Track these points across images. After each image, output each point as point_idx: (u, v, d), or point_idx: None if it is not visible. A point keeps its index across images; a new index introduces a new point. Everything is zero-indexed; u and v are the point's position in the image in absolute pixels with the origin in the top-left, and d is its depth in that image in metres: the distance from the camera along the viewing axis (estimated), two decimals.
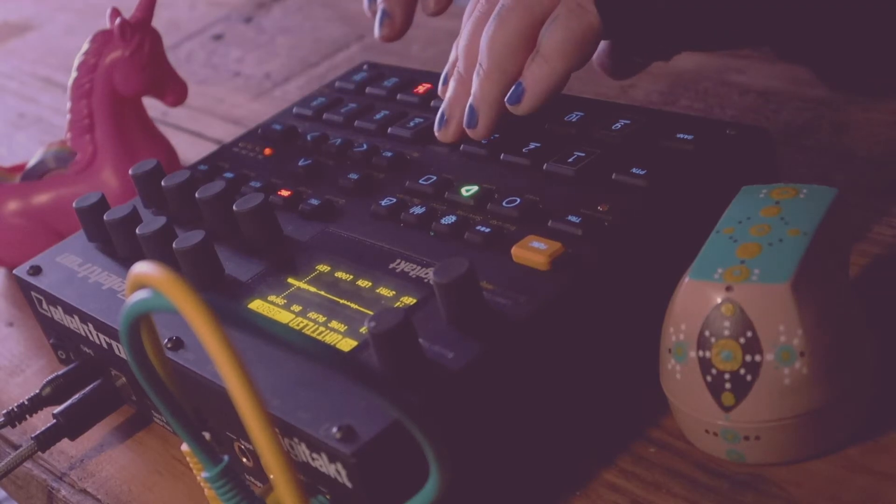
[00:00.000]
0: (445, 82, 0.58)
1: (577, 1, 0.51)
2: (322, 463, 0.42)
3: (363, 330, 0.46)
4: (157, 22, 0.73)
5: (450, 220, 0.51)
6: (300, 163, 0.60)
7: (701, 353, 0.42)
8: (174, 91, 0.74)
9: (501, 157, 0.55)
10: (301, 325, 0.48)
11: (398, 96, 0.64)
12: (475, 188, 0.53)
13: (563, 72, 0.52)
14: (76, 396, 0.55)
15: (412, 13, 0.62)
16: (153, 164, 0.61)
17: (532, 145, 0.54)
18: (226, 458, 0.42)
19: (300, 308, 0.49)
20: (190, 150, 0.82)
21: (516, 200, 0.50)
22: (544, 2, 0.52)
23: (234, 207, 0.54)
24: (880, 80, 0.58)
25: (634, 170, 0.50)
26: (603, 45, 0.58)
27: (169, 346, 0.48)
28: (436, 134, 0.57)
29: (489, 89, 0.53)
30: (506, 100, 0.53)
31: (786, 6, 0.52)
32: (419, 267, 0.49)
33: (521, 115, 0.53)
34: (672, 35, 0.53)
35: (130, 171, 0.61)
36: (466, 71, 0.55)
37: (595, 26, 0.51)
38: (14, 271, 0.60)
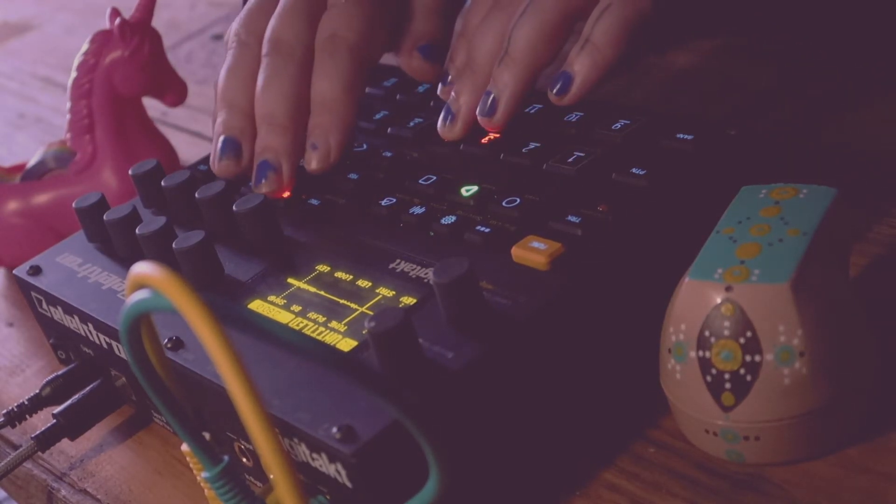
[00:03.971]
0: (446, 83, 0.58)
1: None
2: (322, 463, 0.42)
3: (363, 328, 0.46)
4: (157, 22, 0.73)
5: (450, 220, 0.51)
6: (300, 162, 0.60)
7: (701, 353, 0.42)
8: (174, 91, 0.74)
9: (501, 157, 0.55)
10: (301, 325, 0.48)
11: (398, 96, 0.64)
12: (475, 188, 0.53)
13: (613, 61, 0.51)
14: (76, 396, 0.55)
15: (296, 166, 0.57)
16: (153, 164, 0.61)
17: (532, 145, 0.54)
18: (226, 458, 0.42)
19: (300, 308, 0.49)
20: (190, 150, 0.82)
21: (516, 200, 0.50)
22: None
23: (234, 207, 0.54)
24: None
25: (634, 170, 0.50)
26: None
27: (169, 346, 0.48)
28: (440, 131, 0.56)
29: (515, 78, 0.53)
30: (551, 90, 0.53)
31: None
32: (419, 267, 0.49)
33: (566, 104, 0.53)
34: (712, 19, 0.53)
35: (130, 171, 0.61)
36: (480, 64, 0.55)
37: (647, 13, 0.51)
38: (14, 271, 0.60)
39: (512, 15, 0.53)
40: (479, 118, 0.54)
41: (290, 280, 0.51)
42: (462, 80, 0.55)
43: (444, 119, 0.56)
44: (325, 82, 0.55)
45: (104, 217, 0.57)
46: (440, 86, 0.58)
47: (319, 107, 0.56)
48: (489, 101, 0.53)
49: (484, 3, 0.56)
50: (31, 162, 0.73)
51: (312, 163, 0.56)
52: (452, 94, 0.56)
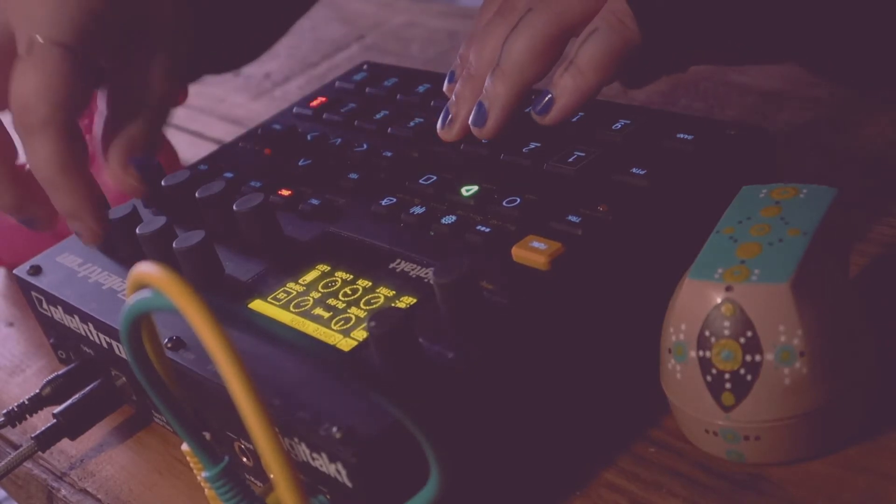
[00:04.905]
0: (452, 80, 0.58)
1: (617, 16, 0.50)
2: (322, 463, 0.42)
3: (363, 328, 0.46)
4: None
5: (450, 220, 0.51)
6: (300, 163, 0.60)
7: (701, 352, 0.42)
8: None
9: (501, 157, 0.55)
10: (301, 325, 0.48)
11: (398, 96, 0.64)
12: (475, 188, 0.53)
13: (596, 86, 0.51)
14: (76, 396, 0.55)
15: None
16: (153, 164, 0.61)
17: (532, 145, 0.54)
18: (226, 458, 0.42)
19: (300, 308, 0.49)
20: (190, 150, 0.82)
21: (516, 200, 0.50)
22: (575, 12, 0.51)
23: (234, 207, 0.54)
24: None
25: (634, 170, 0.50)
26: None
27: (169, 346, 0.48)
28: (439, 132, 0.57)
29: (504, 91, 0.53)
30: (533, 109, 0.52)
31: (817, 22, 0.51)
32: (419, 267, 0.49)
33: (547, 125, 0.52)
34: (706, 52, 0.53)
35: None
36: (478, 70, 0.55)
37: (634, 42, 0.50)
38: (14, 271, 0.60)
39: (511, 23, 0.53)
40: (471, 127, 0.54)
41: (290, 280, 0.51)
42: (462, 85, 0.55)
43: (443, 121, 0.56)
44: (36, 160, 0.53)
45: None
46: (446, 83, 0.59)
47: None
48: (480, 112, 0.54)
49: (490, 7, 0.56)
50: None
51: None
52: (452, 97, 0.56)
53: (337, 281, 0.50)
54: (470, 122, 0.54)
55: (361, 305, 0.48)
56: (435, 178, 0.54)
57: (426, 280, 0.48)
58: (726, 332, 0.41)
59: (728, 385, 0.41)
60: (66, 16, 0.52)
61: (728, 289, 0.41)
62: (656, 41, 0.50)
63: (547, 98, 0.52)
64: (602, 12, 0.51)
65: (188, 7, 0.58)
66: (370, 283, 0.49)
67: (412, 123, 0.60)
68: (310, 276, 0.51)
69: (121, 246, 0.57)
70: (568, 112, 0.52)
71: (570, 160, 0.52)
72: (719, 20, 0.50)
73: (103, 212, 0.55)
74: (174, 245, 0.52)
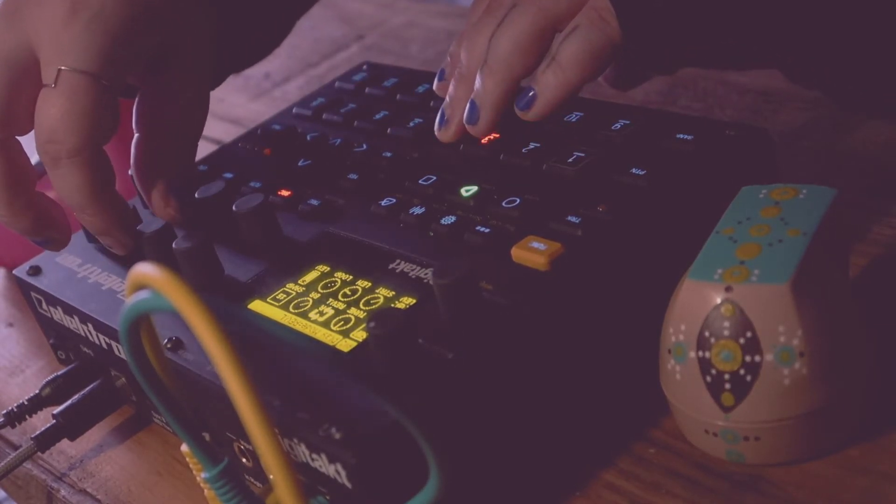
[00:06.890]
0: (441, 78, 0.58)
1: (599, 13, 0.50)
2: (322, 463, 0.42)
3: (362, 329, 0.46)
4: None
5: (449, 220, 0.51)
6: (300, 163, 0.60)
7: (701, 353, 0.42)
8: None
9: (501, 157, 0.55)
10: (301, 325, 0.48)
11: (398, 96, 0.64)
12: (475, 188, 0.53)
13: (577, 82, 0.51)
14: (76, 397, 0.56)
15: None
16: None
17: (532, 145, 0.54)
18: (225, 459, 0.42)
19: (300, 309, 0.49)
20: None
21: (516, 200, 0.50)
22: (560, 7, 0.51)
23: (234, 207, 0.54)
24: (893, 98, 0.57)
25: (634, 170, 0.50)
26: None
27: (168, 346, 0.48)
28: (436, 133, 0.57)
29: (493, 87, 0.53)
30: (516, 105, 0.53)
31: (801, 29, 0.51)
32: (419, 267, 0.49)
33: (530, 121, 0.53)
34: (688, 53, 0.53)
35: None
36: (468, 68, 0.55)
37: (615, 40, 0.50)
38: (14, 271, 0.60)
39: (498, 20, 0.53)
40: (466, 126, 0.55)
41: (289, 280, 0.51)
42: (455, 85, 0.56)
43: (440, 122, 0.56)
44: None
45: None
46: (436, 81, 0.59)
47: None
48: (473, 110, 0.54)
49: (480, 5, 0.56)
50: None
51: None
52: (447, 98, 0.56)
53: (336, 281, 0.50)
54: (464, 121, 0.55)
55: (361, 306, 0.48)
56: (434, 178, 0.54)
57: (426, 280, 0.48)
58: (726, 333, 0.41)
59: (728, 385, 0.41)
60: (93, 43, 0.51)
61: (728, 289, 0.41)
62: (638, 38, 0.50)
63: (530, 94, 0.52)
64: (584, 9, 0.51)
65: (211, 21, 0.57)
66: (370, 284, 0.49)
67: (412, 124, 0.60)
68: (309, 277, 0.51)
69: None
70: (550, 108, 0.52)
71: (570, 160, 0.52)
72: (702, 20, 0.50)
73: (132, 225, 0.55)
74: (174, 245, 0.52)
